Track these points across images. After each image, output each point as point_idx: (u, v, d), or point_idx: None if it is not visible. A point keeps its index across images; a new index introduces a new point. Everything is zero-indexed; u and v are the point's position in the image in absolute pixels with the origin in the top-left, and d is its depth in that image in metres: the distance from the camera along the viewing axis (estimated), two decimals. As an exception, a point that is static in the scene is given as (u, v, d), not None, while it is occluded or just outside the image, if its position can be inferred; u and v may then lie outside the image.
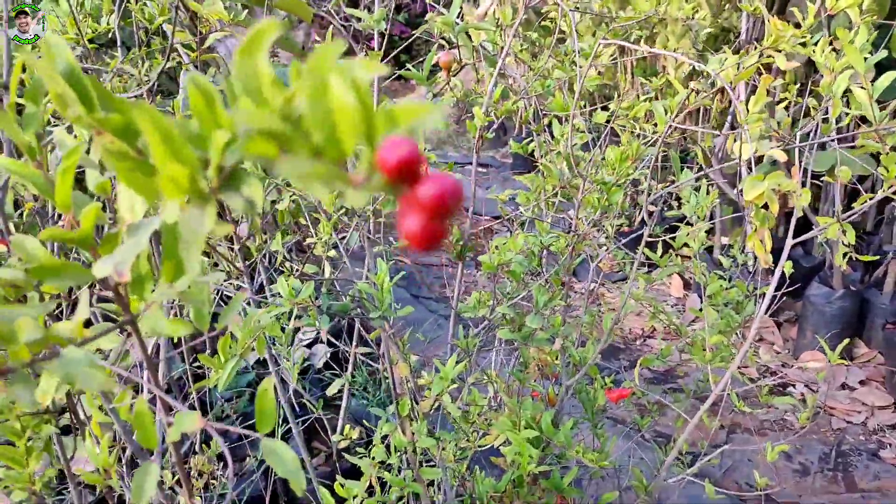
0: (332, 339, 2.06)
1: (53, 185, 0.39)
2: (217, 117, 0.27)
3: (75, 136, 0.71)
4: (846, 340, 1.26)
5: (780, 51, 0.87)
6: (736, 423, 2.19)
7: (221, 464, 1.67)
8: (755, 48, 1.08)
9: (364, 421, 1.98)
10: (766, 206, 0.81)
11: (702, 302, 2.67)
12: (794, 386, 2.38)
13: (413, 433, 1.04)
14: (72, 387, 0.33)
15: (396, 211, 0.25)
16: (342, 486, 1.08)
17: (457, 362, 0.98)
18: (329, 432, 1.83)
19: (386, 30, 1.83)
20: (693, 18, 1.80)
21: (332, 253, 0.98)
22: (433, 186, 0.24)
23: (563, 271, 1.02)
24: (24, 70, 0.82)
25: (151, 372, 0.65)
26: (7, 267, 0.38)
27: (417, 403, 1.05)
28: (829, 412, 2.24)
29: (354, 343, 1.91)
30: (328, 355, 2.27)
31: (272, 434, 0.44)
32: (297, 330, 1.67)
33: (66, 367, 0.32)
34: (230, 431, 0.55)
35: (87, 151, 0.72)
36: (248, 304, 1.25)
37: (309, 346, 2.37)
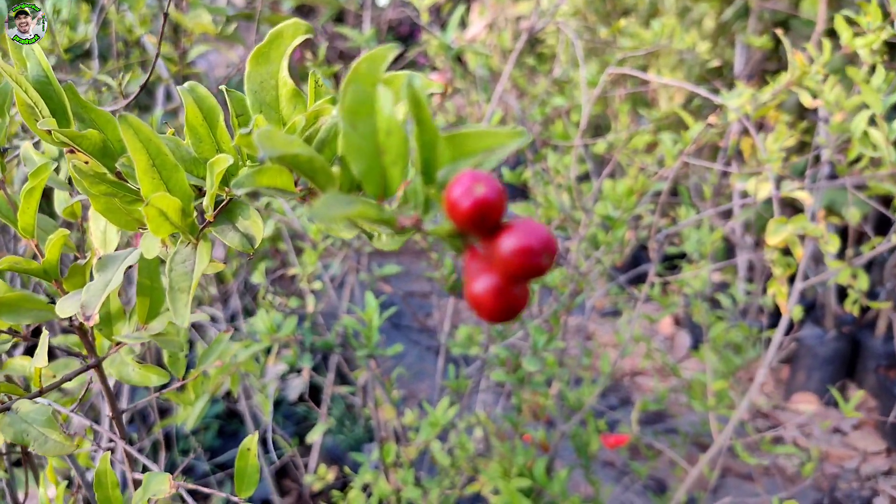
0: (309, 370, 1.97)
1: (16, 208, 0.32)
2: (219, 138, 0.20)
3: (44, 152, 0.64)
4: (838, 384, 1.20)
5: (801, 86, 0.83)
6: (728, 467, 2.13)
7: None
8: (753, 83, 1.04)
9: (341, 458, 1.89)
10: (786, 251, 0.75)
11: (692, 339, 2.60)
12: (784, 427, 2.32)
13: (397, 481, 0.95)
14: (25, 445, 0.27)
15: (464, 265, 0.17)
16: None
17: (449, 405, 0.90)
18: (302, 469, 1.73)
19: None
20: (693, 51, 1.76)
21: (318, 285, 0.91)
22: (520, 238, 0.16)
23: (563, 310, 0.95)
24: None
25: (117, 424, 0.57)
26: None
27: (401, 446, 0.97)
28: (822, 457, 2.18)
29: (331, 379, 1.82)
30: (302, 388, 2.17)
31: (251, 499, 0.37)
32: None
33: (19, 425, 0.25)
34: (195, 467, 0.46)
35: (57, 170, 0.64)
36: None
37: (282, 377, 2.27)
